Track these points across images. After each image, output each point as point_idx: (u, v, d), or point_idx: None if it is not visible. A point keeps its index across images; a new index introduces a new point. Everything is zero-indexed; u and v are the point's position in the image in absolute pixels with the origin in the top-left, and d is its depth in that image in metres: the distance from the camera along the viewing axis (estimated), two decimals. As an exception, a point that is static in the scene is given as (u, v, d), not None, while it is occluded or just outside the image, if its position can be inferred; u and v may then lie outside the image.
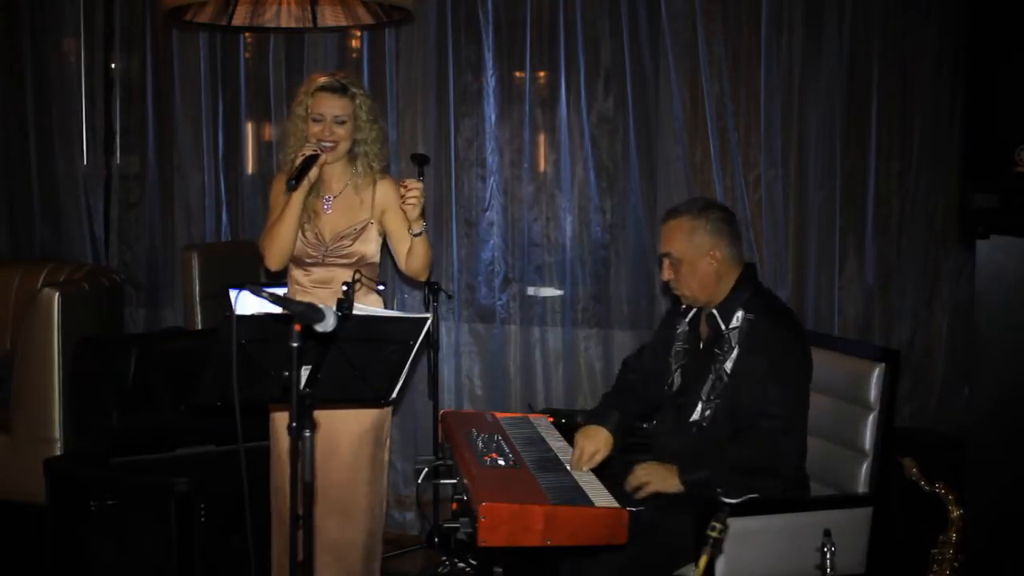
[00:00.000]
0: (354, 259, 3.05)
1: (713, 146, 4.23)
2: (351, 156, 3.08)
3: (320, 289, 3.05)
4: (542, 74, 4.48)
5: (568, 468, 2.57)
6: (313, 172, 2.97)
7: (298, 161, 2.94)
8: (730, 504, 2.54)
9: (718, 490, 2.66)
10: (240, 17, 3.62)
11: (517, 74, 4.50)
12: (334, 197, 3.09)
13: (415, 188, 2.90)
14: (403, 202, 2.91)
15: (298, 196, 2.96)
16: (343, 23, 3.73)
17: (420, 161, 4.13)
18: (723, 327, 2.83)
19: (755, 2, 4.18)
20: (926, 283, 4.20)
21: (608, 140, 4.46)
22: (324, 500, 2.96)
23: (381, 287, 3.13)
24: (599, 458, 2.72)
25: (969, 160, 3.06)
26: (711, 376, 2.81)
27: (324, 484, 2.94)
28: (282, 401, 2.33)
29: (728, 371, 2.78)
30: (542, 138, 4.52)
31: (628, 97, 4.34)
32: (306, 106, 3.03)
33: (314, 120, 3.01)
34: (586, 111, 4.40)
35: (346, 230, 3.05)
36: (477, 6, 4.43)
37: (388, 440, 3.17)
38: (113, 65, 4.95)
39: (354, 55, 4.62)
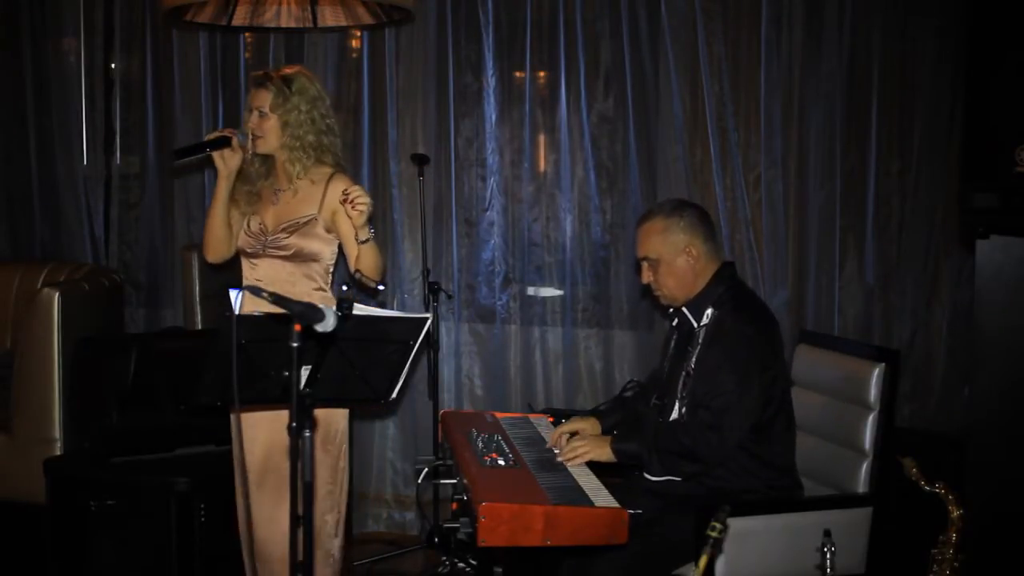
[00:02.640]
0: (290, 252, 2.99)
1: (713, 146, 4.24)
2: (289, 150, 3.03)
3: (260, 283, 2.96)
4: (542, 74, 4.48)
5: (567, 468, 2.57)
6: (232, 159, 2.96)
7: (207, 136, 2.98)
8: (730, 503, 2.54)
9: (643, 464, 2.74)
10: (240, 17, 3.62)
11: (517, 74, 4.50)
12: (284, 189, 3.06)
13: (362, 197, 2.82)
14: (351, 207, 2.82)
15: (222, 184, 2.98)
16: (343, 23, 3.73)
17: (420, 161, 4.14)
18: (695, 325, 2.84)
19: (755, 2, 4.18)
20: (926, 283, 4.20)
21: (608, 140, 4.46)
22: (273, 490, 2.95)
23: (381, 287, 3.11)
24: (585, 449, 2.71)
25: (969, 160, 3.05)
26: (683, 374, 2.83)
27: (277, 476, 2.93)
28: (277, 401, 2.32)
29: (692, 367, 2.80)
30: (542, 138, 4.52)
31: (628, 97, 4.34)
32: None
33: (248, 110, 3.05)
34: (586, 111, 4.40)
35: (287, 222, 3.01)
36: (477, 6, 4.43)
37: (344, 445, 3.06)
38: (113, 65, 4.94)
39: (354, 55, 4.62)
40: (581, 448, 2.67)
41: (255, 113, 3.02)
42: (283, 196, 3.06)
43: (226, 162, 2.96)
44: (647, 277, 2.91)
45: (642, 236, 2.90)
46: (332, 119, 3.10)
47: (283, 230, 3.01)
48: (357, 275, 2.98)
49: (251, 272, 3.07)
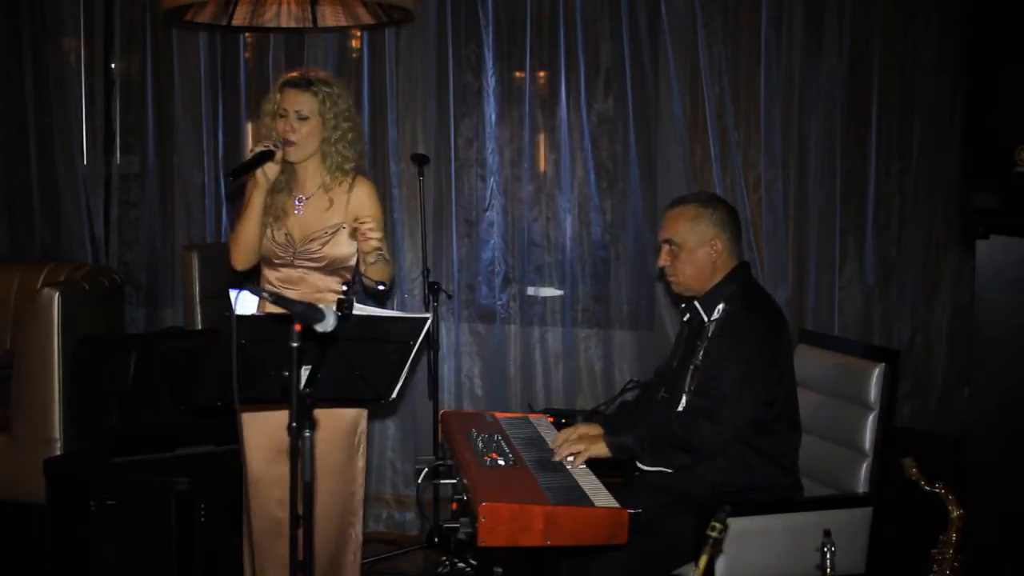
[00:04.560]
0: (324, 262, 2.99)
1: (713, 146, 4.24)
2: (323, 155, 3.01)
3: (289, 289, 2.97)
4: (542, 74, 4.48)
5: (567, 468, 2.57)
6: (272, 170, 2.90)
7: (249, 155, 2.89)
8: (730, 503, 2.55)
9: (636, 455, 2.72)
10: (240, 17, 3.62)
11: (517, 74, 4.51)
12: (307, 198, 3.02)
13: (375, 233, 2.81)
14: (364, 243, 2.82)
15: (258, 194, 2.92)
16: (343, 23, 3.74)
17: (420, 161, 4.14)
18: (705, 319, 2.85)
19: (755, 2, 4.19)
20: (926, 283, 4.20)
21: (608, 140, 4.46)
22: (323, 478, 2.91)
23: (381, 287, 3.11)
24: (581, 447, 2.69)
25: (969, 160, 3.05)
26: (691, 368, 2.83)
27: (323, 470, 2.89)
28: (277, 401, 2.32)
29: (700, 360, 2.80)
30: (542, 138, 4.52)
31: (628, 97, 4.35)
32: (274, 101, 2.98)
33: (279, 116, 2.96)
34: (586, 111, 4.40)
35: (316, 232, 2.98)
36: (477, 6, 4.43)
37: (363, 445, 3.10)
38: (113, 65, 4.95)
39: (354, 55, 4.62)
40: (577, 446, 2.67)
41: (292, 116, 2.93)
42: (306, 205, 3.02)
43: (266, 174, 2.91)
44: (665, 260, 2.91)
45: (671, 219, 2.90)
46: (358, 119, 3.10)
47: (314, 240, 2.98)
48: (365, 279, 2.99)
49: (276, 278, 3.03)
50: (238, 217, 3.02)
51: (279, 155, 2.91)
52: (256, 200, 2.93)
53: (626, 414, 3.12)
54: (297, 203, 3.02)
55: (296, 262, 2.99)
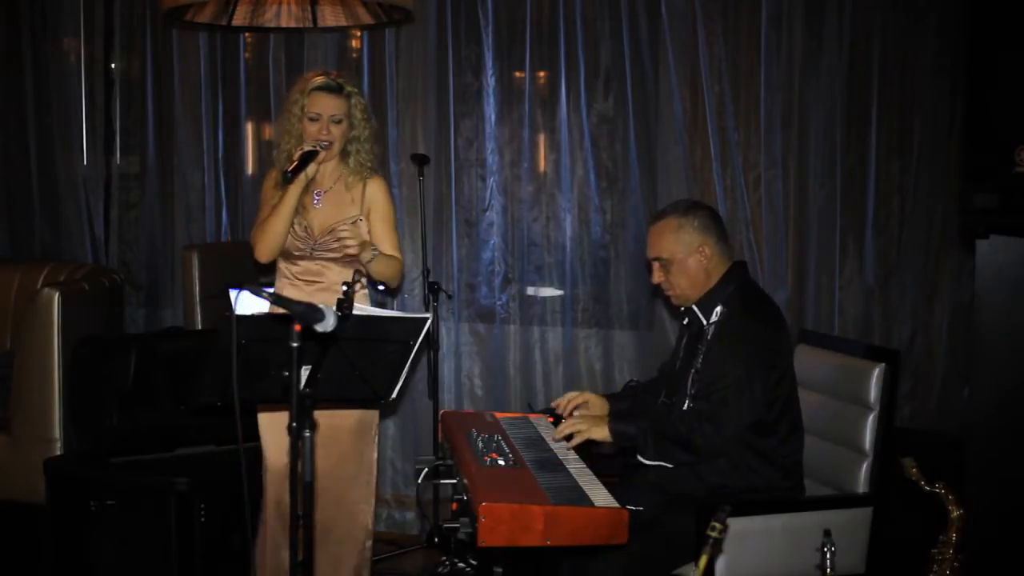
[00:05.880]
0: (341, 253, 3.08)
1: (713, 146, 4.24)
2: (343, 153, 3.13)
3: (307, 283, 3.08)
4: (542, 74, 4.48)
5: (567, 468, 2.57)
6: (311, 168, 3.02)
7: (296, 155, 2.98)
8: (730, 503, 2.54)
9: (638, 447, 2.72)
10: (240, 17, 3.62)
11: (517, 74, 4.51)
12: (324, 192, 3.14)
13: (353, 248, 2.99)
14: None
15: (294, 190, 3.00)
16: (343, 23, 3.74)
17: (420, 161, 4.14)
18: (704, 322, 2.84)
19: (755, 2, 4.19)
20: (926, 283, 4.20)
21: (608, 140, 4.46)
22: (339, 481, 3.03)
23: (381, 287, 3.15)
24: (583, 427, 2.70)
25: (969, 160, 3.05)
26: (692, 371, 2.83)
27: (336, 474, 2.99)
28: (277, 401, 2.33)
29: (700, 364, 2.80)
30: (542, 138, 4.52)
31: (628, 97, 4.35)
32: (302, 105, 3.06)
33: (311, 119, 3.05)
34: (586, 111, 4.40)
35: (335, 224, 3.09)
36: (477, 6, 4.43)
37: (376, 438, 3.20)
38: (113, 65, 4.94)
39: (354, 55, 4.62)
40: (580, 425, 2.68)
41: (327, 120, 3.05)
42: (324, 199, 3.13)
43: (307, 173, 3.02)
44: (658, 277, 2.90)
45: (654, 236, 2.89)
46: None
47: (332, 232, 3.08)
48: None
49: (294, 272, 3.12)
50: (269, 212, 3.08)
51: (321, 155, 3.03)
52: (293, 196, 3.02)
53: (631, 398, 3.10)
54: (315, 197, 3.13)
55: (315, 254, 3.08)
